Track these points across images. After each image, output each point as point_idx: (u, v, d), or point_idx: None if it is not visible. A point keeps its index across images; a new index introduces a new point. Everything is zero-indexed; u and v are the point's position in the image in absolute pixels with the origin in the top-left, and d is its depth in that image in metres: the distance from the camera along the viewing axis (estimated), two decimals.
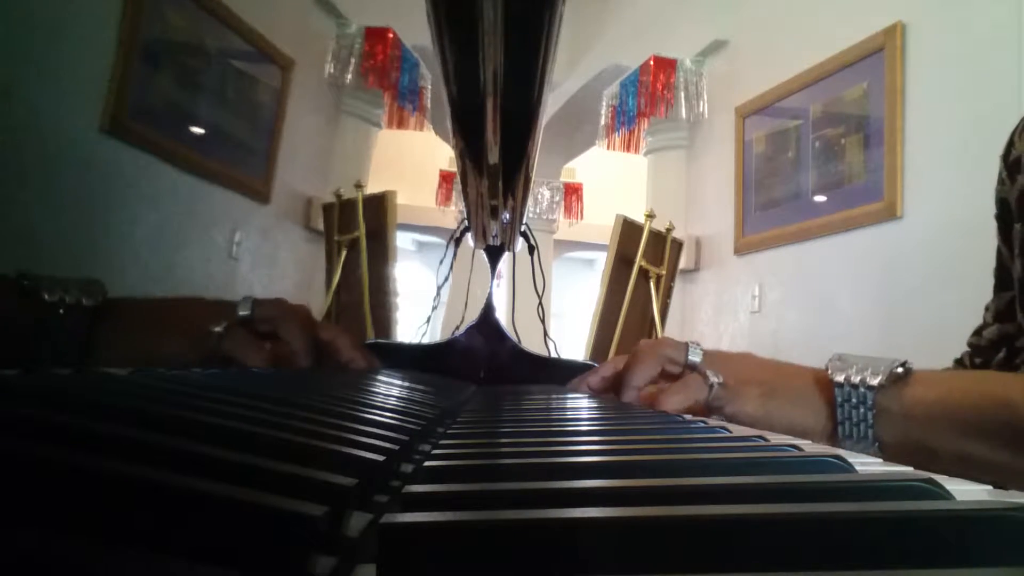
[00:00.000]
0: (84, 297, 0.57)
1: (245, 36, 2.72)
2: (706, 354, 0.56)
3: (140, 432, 0.17)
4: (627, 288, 2.57)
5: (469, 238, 1.03)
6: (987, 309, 0.71)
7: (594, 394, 0.68)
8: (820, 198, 2.68)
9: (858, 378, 0.47)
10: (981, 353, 0.70)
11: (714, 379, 0.52)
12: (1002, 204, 0.68)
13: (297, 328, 0.65)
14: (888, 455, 0.47)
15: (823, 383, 0.50)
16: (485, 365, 1.03)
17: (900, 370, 0.47)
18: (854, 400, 0.47)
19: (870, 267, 2.40)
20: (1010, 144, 0.67)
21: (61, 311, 0.56)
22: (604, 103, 3.76)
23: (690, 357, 0.56)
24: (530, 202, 0.88)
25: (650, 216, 2.62)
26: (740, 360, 0.56)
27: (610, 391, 0.65)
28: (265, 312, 0.63)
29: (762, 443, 0.29)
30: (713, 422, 0.45)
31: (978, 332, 0.71)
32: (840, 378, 0.48)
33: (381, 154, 3.75)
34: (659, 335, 2.61)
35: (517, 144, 0.58)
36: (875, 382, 0.47)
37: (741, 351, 0.58)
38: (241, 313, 0.62)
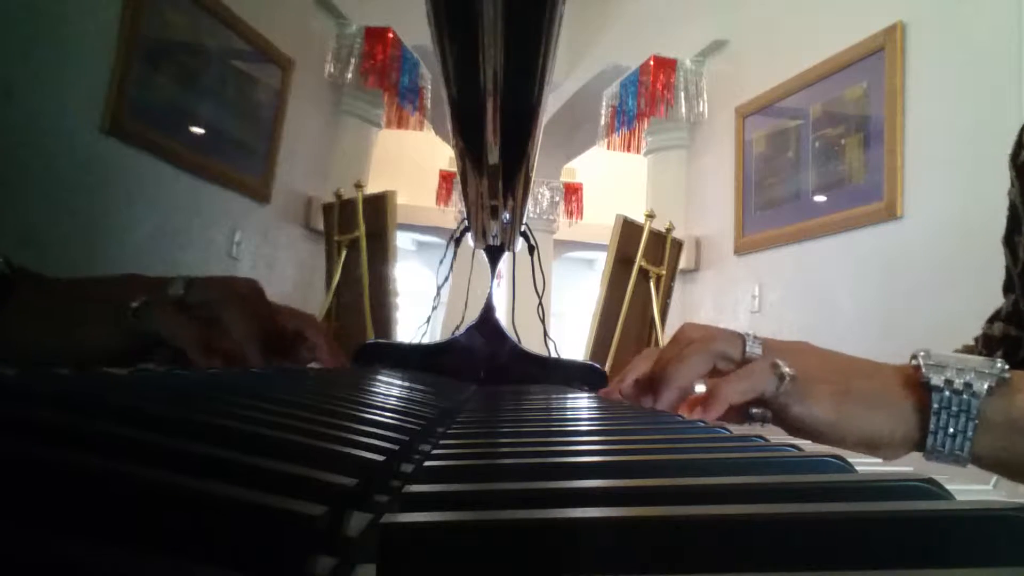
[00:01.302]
0: None
1: (245, 36, 2.72)
2: (765, 344, 0.48)
3: (139, 432, 0.17)
4: (627, 288, 2.57)
5: (469, 238, 1.03)
6: (1004, 298, 0.69)
7: (628, 399, 0.58)
8: (820, 198, 2.68)
9: (961, 381, 0.40)
10: (987, 343, 0.68)
11: (787, 370, 0.43)
12: (1012, 206, 0.67)
13: (239, 314, 0.54)
14: (984, 470, 0.41)
15: (912, 385, 0.42)
16: (485, 365, 1.03)
17: (1008, 375, 0.40)
18: (955, 408, 0.40)
19: (870, 267, 2.40)
20: (1018, 145, 0.66)
21: None
22: (604, 103, 3.76)
23: (749, 352, 0.47)
24: (530, 202, 0.88)
25: (650, 216, 2.62)
26: (803, 351, 0.47)
27: (646, 394, 0.55)
28: (201, 295, 0.54)
29: (762, 443, 0.29)
30: (745, 429, 0.43)
31: (992, 320, 0.69)
32: (939, 380, 0.40)
33: (381, 154, 3.75)
34: (659, 335, 2.61)
35: (517, 144, 0.58)
36: (982, 388, 0.39)
37: (798, 340, 0.49)
38: (171, 293, 0.53)
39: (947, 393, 0.40)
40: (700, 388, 0.49)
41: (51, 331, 0.53)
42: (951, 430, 0.40)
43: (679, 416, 0.46)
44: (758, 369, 0.44)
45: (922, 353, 0.42)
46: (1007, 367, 0.40)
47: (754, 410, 0.45)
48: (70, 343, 0.53)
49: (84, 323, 0.53)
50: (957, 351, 0.69)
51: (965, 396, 0.39)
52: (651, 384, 0.51)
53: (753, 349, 0.47)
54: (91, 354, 0.53)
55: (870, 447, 0.42)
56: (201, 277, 0.55)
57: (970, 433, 0.39)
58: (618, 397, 0.59)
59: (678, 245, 2.75)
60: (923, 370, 0.41)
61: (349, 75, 3.23)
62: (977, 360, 0.41)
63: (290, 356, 0.63)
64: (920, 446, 0.41)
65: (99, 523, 0.12)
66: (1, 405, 0.20)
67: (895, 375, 0.43)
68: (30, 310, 0.52)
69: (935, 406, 0.40)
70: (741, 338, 0.48)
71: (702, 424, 0.41)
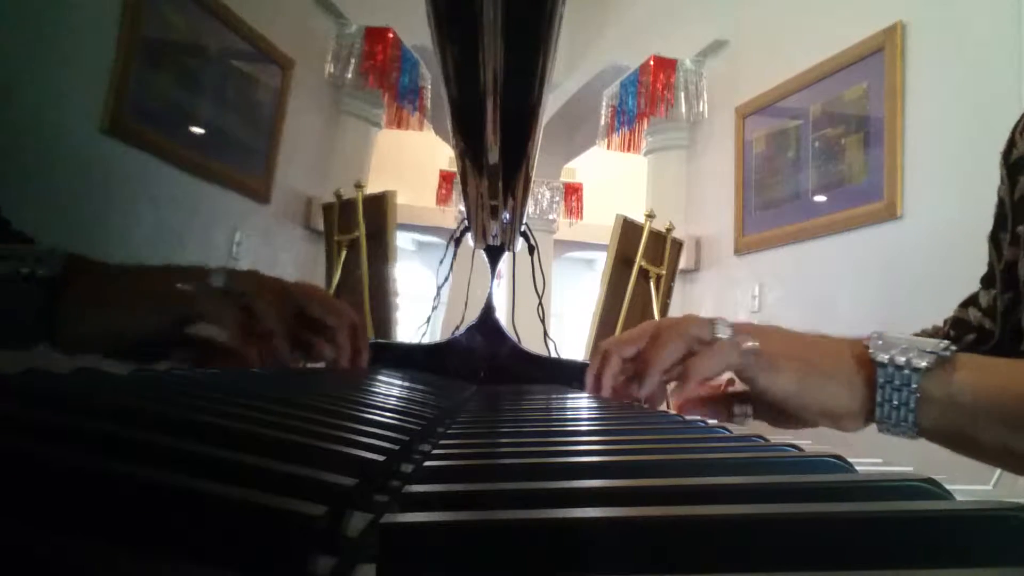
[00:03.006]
0: (39, 268, 0.53)
1: (245, 36, 2.72)
2: (735, 328, 0.52)
3: (140, 432, 0.17)
4: (627, 288, 2.57)
5: (469, 238, 1.03)
6: (981, 288, 0.70)
7: (615, 391, 0.59)
8: (820, 198, 2.68)
9: (903, 359, 0.44)
10: (958, 326, 0.70)
11: (749, 345, 0.48)
12: (1000, 203, 0.67)
13: (273, 305, 0.58)
14: (933, 443, 0.45)
15: (863, 361, 0.46)
16: (485, 365, 1.03)
17: (947, 353, 0.44)
18: (896, 382, 0.44)
19: (870, 267, 2.40)
20: (1011, 143, 0.66)
21: (13, 285, 0.52)
22: (604, 103, 3.76)
23: (717, 334, 0.51)
24: (530, 202, 0.88)
25: (650, 216, 2.62)
26: (772, 332, 0.51)
27: (630, 378, 0.58)
28: (239, 284, 0.58)
29: (762, 443, 0.29)
30: (713, 422, 0.44)
31: (966, 304, 0.71)
32: (883, 358, 0.45)
33: (381, 154, 3.75)
34: None
35: (517, 144, 0.58)
36: (922, 364, 0.44)
37: (768, 324, 0.53)
38: (214, 282, 0.57)
39: (890, 369, 0.44)
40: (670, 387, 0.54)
41: (103, 316, 0.55)
42: (895, 402, 0.44)
43: (679, 416, 0.47)
44: (724, 346, 0.49)
45: (875, 333, 0.46)
46: (952, 348, 0.44)
47: (736, 408, 0.50)
48: (118, 326, 0.56)
49: (137, 316, 0.56)
50: (925, 330, 0.71)
51: (906, 371, 0.44)
52: (635, 372, 0.56)
53: (722, 331, 0.51)
54: (136, 338, 0.56)
55: (830, 417, 0.47)
56: (235, 269, 0.59)
57: (912, 406, 0.44)
58: (599, 384, 0.60)
59: (678, 245, 2.75)
60: (871, 349, 0.45)
61: (349, 75, 3.23)
62: (924, 341, 0.45)
63: (314, 349, 0.65)
64: (871, 418, 0.46)
65: (99, 523, 0.12)
66: (1, 405, 0.20)
67: (851, 352, 0.48)
68: (84, 305, 0.55)
69: (880, 380, 0.45)
70: (710, 322, 0.52)
71: (702, 424, 0.41)
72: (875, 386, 0.45)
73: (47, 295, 0.53)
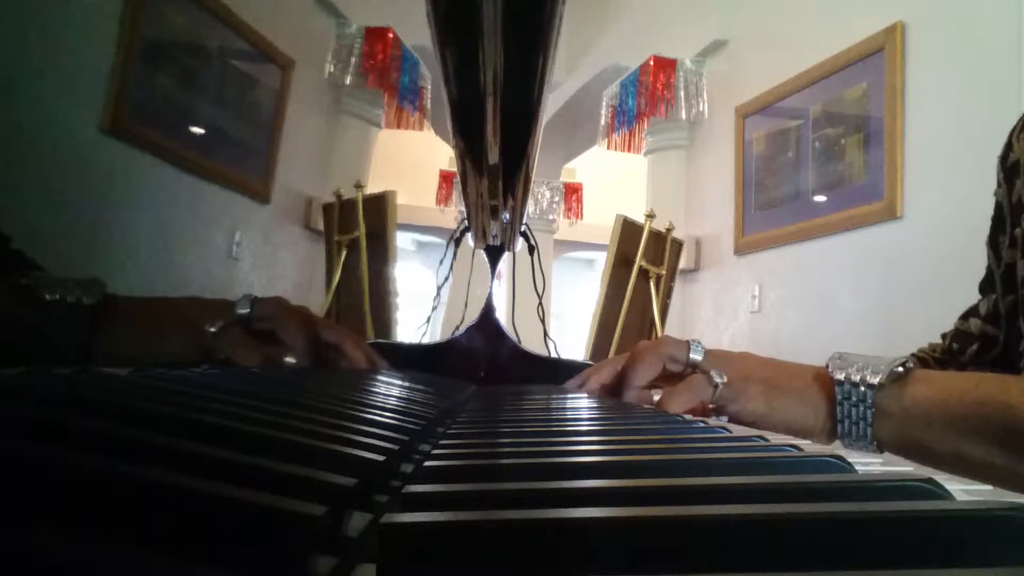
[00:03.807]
0: (84, 296, 0.57)
1: (245, 36, 2.72)
2: (707, 352, 0.56)
3: (140, 432, 0.17)
4: (627, 288, 2.57)
5: (469, 238, 1.03)
6: (980, 296, 0.71)
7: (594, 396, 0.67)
8: (820, 198, 2.68)
9: (858, 376, 0.47)
10: (960, 339, 0.71)
11: (718, 379, 0.52)
12: (997, 207, 0.67)
13: (295, 328, 0.63)
14: (887, 454, 0.48)
15: (824, 381, 0.50)
16: (485, 365, 1.03)
17: (900, 369, 0.47)
18: (854, 398, 0.47)
19: (870, 267, 2.40)
20: (1008, 146, 0.66)
21: (61, 310, 0.56)
22: (604, 103, 3.76)
23: (692, 356, 0.55)
24: (530, 202, 0.88)
25: (650, 216, 2.62)
26: (741, 359, 0.55)
27: (611, 393, 0.65)
28: (263, 311, 0.62)
29: (762, 443, 0.29)
30: (713, 422, 0.44)
31: (966, 316, 0.72)
32: (840, 376, 0.48)
33: (381, 154, 3.75)
34: (659, 335, 2.61)
35: (517, 144, 0.58)
36: (875, 380, 0.46)
37: (741, 350, 0.58)
38: (239, 312, 0.61)
39: (847, 386, 0.47)
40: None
41: (136, 346, 0.60)
42: (853, 418, 0.47)
43: (679, 416, 0.47)
44: (695, 381, 0.53)
45: (836, 355, 0.50)
46: (907, 364, 0.47)
47: (713, 420, 0.54)
48: (151, 356, 0.61)
49: (167, 345, 0.61)
50: (923, 349, 0.72)
51: (861, 388, 0.47)
52: (614, 386, 0.61)
53: (695, 354, 0.56)
54: (170, 360, 0.60)
55: (798, 435, 0.50)
56: (261, 296, 0.64)
57: (869, 420, 0.47)
58: (584, 391, 0.67)
59: (678, 245, 2.75)
60: (829, 368, 0.49)
61: (349, 75, 3.23)
62: (881, 359, 0.48)
63: (333, 364, 0.70)
64: (834, 434, 0.49)
65: (98, 523, 0.12)
66: (1, 405, 0.20)
67: (814, 374, 0.51)
68: (119, 331, 0.60)
69: (839, 397, 0.48)
70: (686, 344, 0.56)
71: (702, 424, 0.41)
72: (835, 403, 0.48)
73: (89, 322, 0.57)
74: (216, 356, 0.60)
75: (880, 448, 0.47)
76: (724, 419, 0.54)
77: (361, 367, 0.72)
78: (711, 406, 0.53)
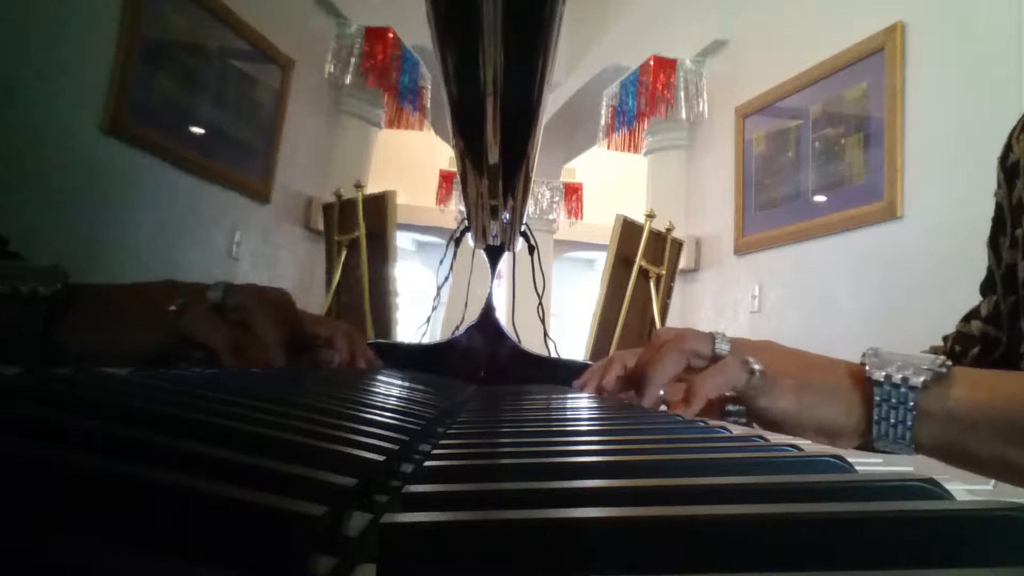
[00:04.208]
0: (40, 286, 0.53)
1: (245, 36, 2.72)
2: (733, 343, 0.52)
3: (140, 432, 0.17)
4: (627, 288, 2.57)
5: (469, 238, 1.03)
6: (981, 298, 0.70)
7: (610, 394, 0.64)
8: (820, 198, 2.68)
9: (899, 376, 0.44)
10: (962, 341, 0.70)
11: (756, 365, 0.48)
12: (997, 207, 0.67)
13: (270, 319, 0.58)
14: (925, 456, 0.45)
15: (858, 379, 0.46)
16: (485, 365, 1.03)
17: (944, 369, 0.44)
18: (893, 400, 0.44)
19: (870, 267, 2.40)
20: (1007, 147, 0.66)
21: (16, 302, 0.52)
22: (604, 103, 3.76)
23: (718, 349, 0.52)
24: (530, 202, 0.88)
25: (650, 216, 2.62)
26: (768, 350, 0.51)
27: (628, 390, 0.61)
28: (236, 300, 0.57)
29: (762, 443, 0.29)
30: (714, 422, 0.44)
31: (968, 318, 0.71)
32: (879, 376, 0.44)
33: (381, 154, 3.75)
34: None
35: (517, 144, 0.58)
36: (918, 381, 0.43)
37: (764, 339, 0.53)
38: (210, 297, 0.57)
39: (886, 387, 0.44)
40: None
41: (100, 336, 0.56)
42: (892, 420, 0.44)
43: (679, 416, 0.47)
44: (731, 365, 0.49)
45: (870, 351, 0.46)
46: (948, 363, 0.44)
47: (730, 407, 0.50)
48: (116, 346, 0.56)
49: (128, 327, 0.57)
50: (924, 351, 0.71)
51: (903, 389, 0.44)
52: (634, 383, 0.57)
53: (721, 346, 0.52)
54: (135, 355, 0.56)
55: (827, 435, 0.47)
56: (238, 284, 0.59)
57: (909, 423, 0.44)
58: (598, 389, 0.64)
59: (678, 245, 2.75)
60: (867, 367, 0.45)
61: (349, 75, 3.23)
62: (920, 357, 0.45)
63: (317, 362, 0.67)
64: (868, 436, 0.45)
65: (99, 523, 0.12)
66: (1, 405, 0.20)
67: (847, 371, 0.48)
68: (80, 321, 0.55)
69: (877, 399, 0.44)
70: (711, 336, 0.52)
71: (702, 424, 0.41)
72: (872, 404, 0.45)
73: (47, 314, 0.53)
74: (181, 340, 0.55)
75: (919, 451, 0.44)
76: (742, 408, 0.50)
77: (349, 362, 0.69)
78: (733, 395, 0.49)
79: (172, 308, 0.54)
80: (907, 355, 0.46)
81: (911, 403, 0.44)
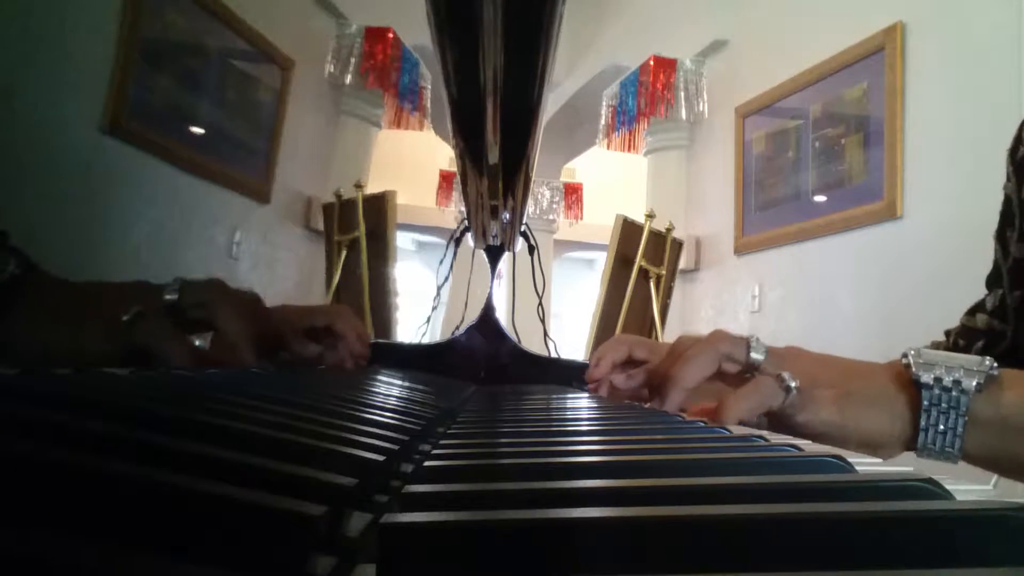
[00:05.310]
0: None
1: (245, 36, 2.72)
2: (769, 351, 0.48)
3: (140, 432, 0.17)
4: (627, 288, 2.57)
5: (469, 238, 1.03)
6: (986, 291, 0.69)
7: (623, 393, 0.57)
8: (820, 198, 2.68)
9: (950, 379, 0.40)
10: (966, 335, 0.69)
11: (792, 383, 0.43)
12: (1006, 201, 0.67)
13: (233, 315, 0.54)
14: (975, 466, 0.42)
15: (904, 383, 0.42)
16: (485, 365, 1.03)
17: (995, 371, 0.40)
18: (944, 405, 0.40)
19: (870, 267, 2.40)
20: (1017, 140, 0.66)
21: None
22: (604, 103, 3.76)
23: (752, 356, 0.47)
24: (530, 202, 0.88)
25: (650, 216, 2.62)
26: (801, 357, 0.47)
27: (644, 387, 0.55)
28: (195, 297, 0.53)
29: (762, 443, 0.29)
30: (712, 423, 0.44)
31: (973, 312, 0.70)
32: (928, 378, 0.40)
33: (381, 154, 3.75)
34: (659, 335, 2.61)
35: (517, 144, 0.58)
36: (971, 384, 0.39)
37: (790, 346, 0.49)
38: (167, 298, 0.52)
39: (936, 391, 0.40)
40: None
41: (54, 335, 0.53)
42: (941, 427, 0.40)
43: (679, 416, 0.46)
44: (765, 384, 0.44)
45: (912, 352, 0.42)
46: (995, 364, 0.40)
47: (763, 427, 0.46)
48: (71, 348, 0.53)
49: (84, 331, 0.53)
50: (926, 347, 0.69)
51: (954, 393, 0.40)
52: (657, 385, 0.51)
53: (756, 355, 0.47)
54: (91, 359, 0.53)
55: (871, 446, 0.43)
56: (197, 279, 0.55)
57: (960, 430, 0.40)
58: (595, 380, 0.58)
59: (678, 245, 2.75)
60: (913, 368, 0.41)
61: (349, 75, 3.23)
62: (965, 358, 0.41)
63: (307, 351, 0.63)
64: (913, 443, 0.42)
65: (100, 523, 0.12)
66: (1, 405, 0.20)
67: (888, 374, 0.44)
68: (39, 312, 0.52)
69: (925, 403, 0.40)
70: (745, 341, 0.48)
71: (702, 424, 0.41)
72: (918, 410, 0.41)
73: None
74: (134, 350, 0.51)
75: (967, 460, 0.41)
76: (763, 419, 0.46)
77: (349, 350, 0.65)
78: (769, 413, 0.45)
79: (124, 319, 0.51)
80: (948, 355, 0.42)
81: (963, 408, 0.40)
